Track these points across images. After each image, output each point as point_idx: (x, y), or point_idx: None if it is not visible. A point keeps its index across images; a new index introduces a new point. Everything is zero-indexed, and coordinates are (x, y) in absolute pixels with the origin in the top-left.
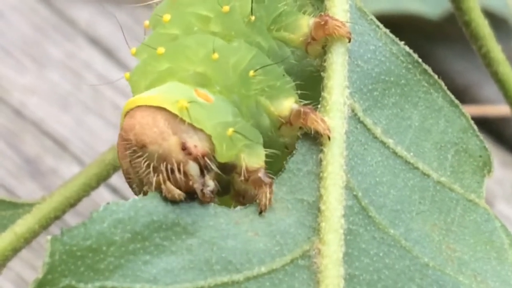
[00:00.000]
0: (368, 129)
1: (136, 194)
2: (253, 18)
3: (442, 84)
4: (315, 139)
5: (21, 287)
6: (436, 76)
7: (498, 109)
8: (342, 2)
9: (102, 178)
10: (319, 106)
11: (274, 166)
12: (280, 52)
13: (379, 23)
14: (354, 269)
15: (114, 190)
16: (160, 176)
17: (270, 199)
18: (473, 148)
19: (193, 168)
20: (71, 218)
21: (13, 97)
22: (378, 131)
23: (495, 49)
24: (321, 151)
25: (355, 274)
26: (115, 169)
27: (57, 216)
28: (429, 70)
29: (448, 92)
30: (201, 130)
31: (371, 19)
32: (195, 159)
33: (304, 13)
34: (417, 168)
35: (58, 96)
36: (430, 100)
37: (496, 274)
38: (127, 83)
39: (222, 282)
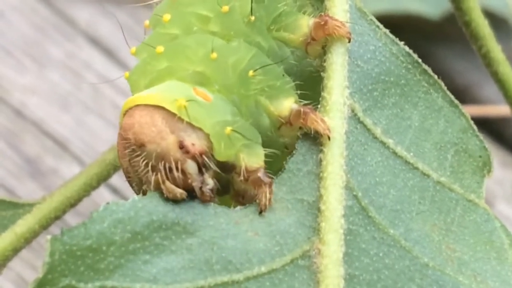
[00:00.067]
0: (368, 129)
1: (136, 193)
2: (252, 18)
3: (442, 84)
4: (315, 139)
5: (21, 287)
6: (436, 76)
7: (498, 109)
8: (342, 2)
9: (102, 178)
10: (319, 106)
11: (274, 166)
12: (280, 52)
13: (379, 23)
14: (354, 269)
15: (115, 190)
16: (159, 175)
17: (270, 199)
18: (473, 148)
19: (191, 167)
20: (71, 218)
21: (13, 97)
22: (378, 131)
23: (495, 49)
24: (321, 151)
25: (355, 274)
26: (115, 169)
27: (57, 216)
28: (429, 70)
29: (448, 92)
30: (200, 129)
31: (371, 19)
32: (193, 158)
33: (304, 13)
34: (417, 168)
35: (58, 96)
36: (430, 100)
37: (496, 274)
38: (127, 83)
39: (222, 282)
